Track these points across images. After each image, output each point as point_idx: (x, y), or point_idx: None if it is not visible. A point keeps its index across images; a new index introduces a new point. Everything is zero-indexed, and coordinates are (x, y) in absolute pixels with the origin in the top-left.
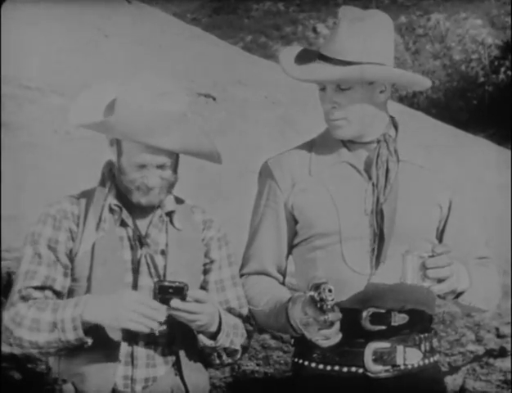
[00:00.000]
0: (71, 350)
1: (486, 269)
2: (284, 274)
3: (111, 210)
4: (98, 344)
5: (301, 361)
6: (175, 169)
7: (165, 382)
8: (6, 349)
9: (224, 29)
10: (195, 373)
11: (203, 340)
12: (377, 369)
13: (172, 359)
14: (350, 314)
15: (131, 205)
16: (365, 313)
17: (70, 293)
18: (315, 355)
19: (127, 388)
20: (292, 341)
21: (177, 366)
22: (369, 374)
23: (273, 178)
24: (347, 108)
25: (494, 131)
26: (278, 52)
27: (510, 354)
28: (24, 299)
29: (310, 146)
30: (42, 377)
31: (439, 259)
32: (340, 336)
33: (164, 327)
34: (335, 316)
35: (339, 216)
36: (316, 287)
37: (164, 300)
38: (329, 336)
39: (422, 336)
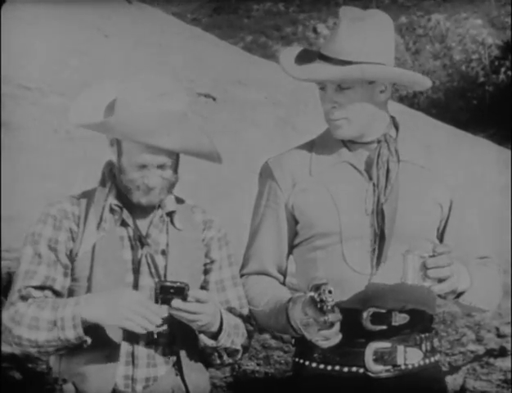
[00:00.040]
0: (70, 350)
1: (486, 269)
2: (284, 274)
3: (112, 210)
4: (99, 344)
5: (302, 361)
6: (175, 169)
7: (166, 382)
8: (6, 348)
9: (224, 29)
10: (196, 373)
11: (204, 340)
12: (378, 369)
13: (172, 358)
14: (351, 314)
15: (131, 205)
16: (365, 314)
17: (71, 293)
18: (316, 355)
19: (127, 388)
20: (293, 340)
21: (178, 366)
22: (369, 374)
23: (274, 178)
24: (347, 108)
25: (494, 131)
26: (278, 53)
27: (511, 353)
28: (24, 298)
29: (310, 146)
30: (42, 376)
31: (440, 259)
32: (340, 336)
33: (165, 327)
34: (335, 317)
35: (339, 216)
36: (317, 288)
37: (165, 301)
38: (329, 337)
39: (423, 335)
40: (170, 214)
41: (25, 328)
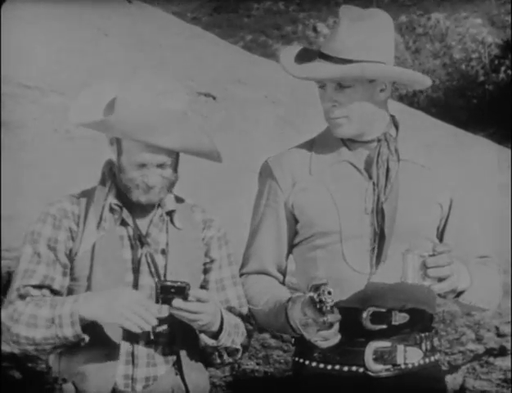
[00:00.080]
0: (69, 348)
1: (486, 268)
2: (284, 274)
3: (111, 210)
4: (98, 343)
5: (301, 360)
6: (175, 168)
7: (166, 382)
8: (6, 348)
9: (224, 29)
10: (196, 373)
11: (204, 339)
12: (378, 368)
13: (172, 358)
14: (350, 314)
15: (131, 205)
16: (365, 313)
17: (70, 293)
18: (315, 354)
19: (127, 387)
20: (292, 340)
21: (178, 365)
22: (369, 373)
23: (273, 177)
24: (347, 106)
25: (494, 130)
26: (278, 52)
27: (510, 353)
28: (22, 297)
29: (310, 145)
30: (42, 376)
31: (440, 259)
32: (339, 337)
33: (165, 326)
34: (334, 317)
35: (339, 215)
36: (316, 288)
37: (166, 300)
38: (327, 338)
39: (423, 335)
40: (170, 214)
41: (23, 326)
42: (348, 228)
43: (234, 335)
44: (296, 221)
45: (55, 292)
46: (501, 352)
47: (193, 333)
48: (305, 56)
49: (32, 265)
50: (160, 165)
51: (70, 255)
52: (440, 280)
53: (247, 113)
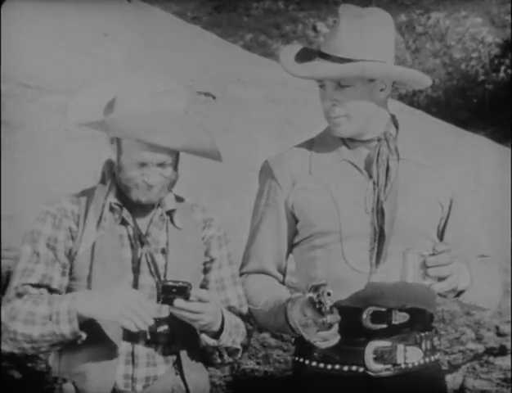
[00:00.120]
0: (68, 347)
1: (487, 268)
2: (284, 273)
3: (112, 209)
4: (98, 343)
5: (301, 360)
6: (175, 167)
7: (166, 381)
8: (6, 348)
9: (224, 28)
10: (196, 373)
11: (205, 339)
12: (378, 368)
13: (172, 358)
14: (350, 313)
15: (131, 204)
16: (365, 312)
17: (69, 292)
18: (315, 354)
19: (127, 387)
20: (292, 339)
21: (178, 365)
22: (369, 373)
23: (273, 176)
24: (347, 105)
25: (494, 129)
26: (278, 51)
27: (510, 352)
28: (20, 295)
29: (310, 144)
30: (42, 376)
31: (440, 258)
32: (338, 337)
33: (165, 326)
34: (334, 318)
35: (339, 215)
36: (315, 289)
37: (168, 300)
38: (327, 338)
39: (423, 334)
40: (170, 213)
41: (21, 323)
42: (348, 227)
43: (235, 335)
44: (296, 220)
45: (53, 292)
46: (501, 351)
47: (193, 333)
48: (305, 56)
49: (31, 264)
50: (160, 164)
51: (70, 255)
52: (440, 279)
53: (247, 112)
